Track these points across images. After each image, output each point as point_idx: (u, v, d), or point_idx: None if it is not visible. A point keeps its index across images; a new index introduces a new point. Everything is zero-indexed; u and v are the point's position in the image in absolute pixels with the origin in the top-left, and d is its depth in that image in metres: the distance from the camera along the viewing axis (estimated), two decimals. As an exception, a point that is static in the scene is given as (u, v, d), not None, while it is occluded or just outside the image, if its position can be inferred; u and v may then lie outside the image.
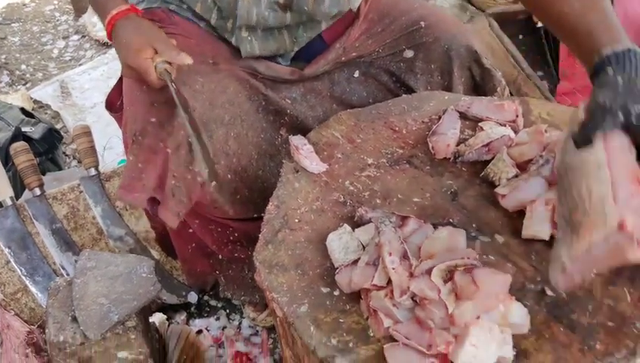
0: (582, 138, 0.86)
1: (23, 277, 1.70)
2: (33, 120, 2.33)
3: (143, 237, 1.79)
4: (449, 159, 1.20)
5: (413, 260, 0.91)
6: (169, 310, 1.77)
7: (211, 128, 1.27)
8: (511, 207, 1.06)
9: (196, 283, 1.73)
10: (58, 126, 2.69)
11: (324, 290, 0.97)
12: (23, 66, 3.32)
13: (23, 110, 2.40)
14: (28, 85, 3.13)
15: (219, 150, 1.28)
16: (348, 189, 1.15)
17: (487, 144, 1.15)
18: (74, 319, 1.28)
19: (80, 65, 3.24)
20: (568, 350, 0.86)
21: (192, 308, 1.81)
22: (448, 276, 0.87)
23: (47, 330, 1.28)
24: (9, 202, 1.74)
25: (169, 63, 1.20)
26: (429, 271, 0.86)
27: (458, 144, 1.20)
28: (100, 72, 3.09)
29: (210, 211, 1.37)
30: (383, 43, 1.45)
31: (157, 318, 1.67)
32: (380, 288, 0.90)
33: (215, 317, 1.79)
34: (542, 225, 1.00)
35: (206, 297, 1.84)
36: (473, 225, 1.06)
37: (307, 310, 0.94)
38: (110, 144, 2.42)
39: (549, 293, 0.94)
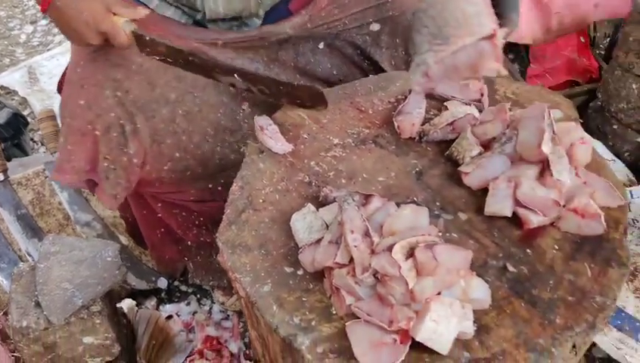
0: None
1: (-12, 265, 1.68)
2: (-2, 105, 2.29)
3: (111, 223, 1.77)
4: (415, 138, 1.19)
5: (375, 238, 0.91)
6: (138, 296, 1.76)
7: (151, 108, 1.25)
8: (474, 185, 1.06)
9: (165, 271, 1.72)
10: (26, 112, 2.64)
11: (288, 269, 0.97)
12: (-10, 52, 3.25)
13: (-13, 95, 2.36)
14: (-5, 71, 3.06)
15: (162, 129, 1.27)
16: (313, 169, 1.15)
17: (451, 123, 1.15)
18: (37, 304, 1.26)
19: (48, 50, 3.18)
20: (529, 325, 0.87)
21: (162, 294, 1.80)
22: (410, 253, 0.87)
23: (10, 316, 1.27)
24: (-28, 188, 1.70)
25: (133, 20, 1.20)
26: (390, 248, 0.86)
27: (423, 124, 1.20)
28: (69, 58, 3.02)
29: (164, 190, 1.35)
30: (350, 13, 1.44)
31: (126, 304, 1.65)
32: (342, 266, 0.90)
33: (185, 302, 1.78)
34: (504, 202, 1.00)
35: (176, 282, 1.83)
36: (437, 204, 1.06)
37: (270, 289, 0.93)
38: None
39: (511, 268, 0.94)
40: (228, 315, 1.71)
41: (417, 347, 0.83)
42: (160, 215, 1.48)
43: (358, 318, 0.87)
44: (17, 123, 2.26)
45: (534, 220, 0.98)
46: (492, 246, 0.98)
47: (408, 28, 1.45)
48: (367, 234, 0.90)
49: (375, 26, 1.45)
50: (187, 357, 1.61)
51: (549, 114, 1.04)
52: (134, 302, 1.68)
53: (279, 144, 1.16)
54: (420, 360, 0.83)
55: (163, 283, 1.73)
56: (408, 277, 0.84)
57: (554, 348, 0.84)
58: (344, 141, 1.20)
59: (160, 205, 1.42)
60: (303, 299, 0.92)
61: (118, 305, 1.57)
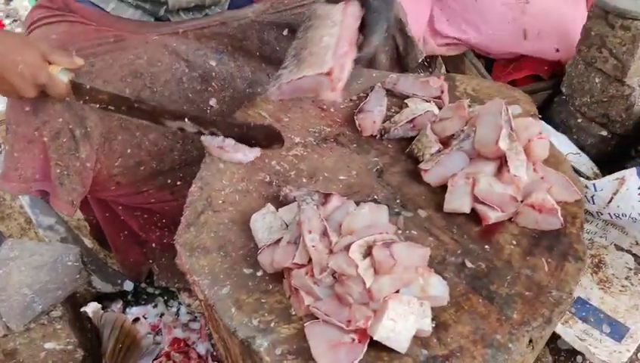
0: None
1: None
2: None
3: (74, 226, 1.74)
4: (376, 136, 1.19)
5: (334, 237, 0.90)
6: (104, 299, 1.74)
7: None
8: (433, 182, 1.07)
9: (130, 274, 1.70)
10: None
11: (247, 271, 0.96)
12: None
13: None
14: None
15: (116, 126, 1.25)
16: (274, 169, 1.14)
17: (411, 121, 1.15)
18: (-4, 311, 1.23)
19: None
20: (486, 321, 0.88)
21: (129, 297, 1.78)
22: (368, 251, 0.87)
23: (-32, 324, 1.24)
24: None
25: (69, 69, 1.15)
26: (347, 248, 0.86)
27: (384, 121, 1.20)
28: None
29: (122, 193, 1.33)
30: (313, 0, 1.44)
31: (91, 308, 1.63)
32: (301, 266, 0.89)
33: (152, 304, 1.76)
34: (462, 199, 1.01)
35: (143, 284, 1.81)
36: (398, 201, 1.06)
37: (229, 291, 0.92)
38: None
39: (469, 265, 0.95)
40: (196, 317, 1.70)
41: (376, 346, 0.83)
42: (122, 217, 1.46)
43: (317, 318, 0.86)
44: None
45: (492, 216, 0.99)
46: (451, 243, 0.99)
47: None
48: (325, 234, 0.90)
49: None
50: (155, 359, 1.59)
51: (506, 110, 1.05)
52: (99, 306, 1.66)
53: (247, 153, 1.13)
54: (379, 359, 0.83)
55: (128, 285, 1.71)
56: (366, 276, 0.84)
57: (511, 343, 0.85)
58: (305, 140, 1.20)
59: (120, 208, 1.40)
60: (262, 300, 0.91)
61: (82, 309, 1.55)
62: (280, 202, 1.06)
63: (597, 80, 1.95)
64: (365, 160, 1.15)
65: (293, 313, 0.89)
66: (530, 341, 0.87)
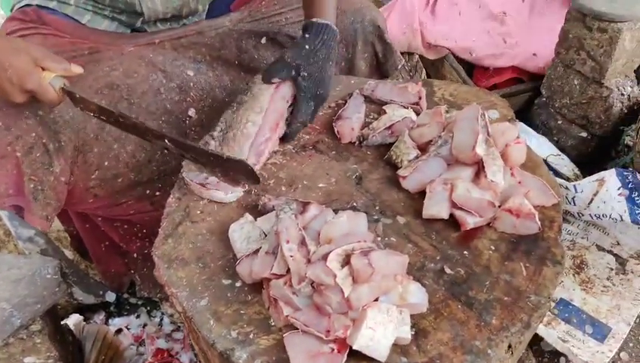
0: (266, 75, 1.17)
1: None
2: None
3: (55, 237, 1.72)
4: (355, 143, 1.19)
5: (312, 246, 0.90)
6: (86, 311, 1.71)
7: (81, 120, 1.22)
8: (412, 188, 1.07)
9: (112, 285, 1.68)
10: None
11: (226, 281, 0.95)
12: None
13: None
14: None
15: (92, 139, 1.23)
16: (253, 177, 1.13)
17: (389, 127, 1.15)
18: (-26, 327, 1.21)
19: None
20: (465, 327, 0.88)
21: (111, 308, 1.76)
22: (346, 260, 0.86)
23: (-55, 340, 1.22)
24: None
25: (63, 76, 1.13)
26: (325, 257, 0.85)
27: (362, 128, 1.20)
28: None
29: (101, 205, 1.32)
30: (291, 8, 1.44)
31: (73, 320, 1.61)
32: (279, 277, 0.89)
33: (135, 315, 1.74)
34: (440, 205, 1.01)
35: (125, 295, 1.79)
36: (377, 208, 1.06)
37: (207, 303, 0.92)
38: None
39: (448, 271, 0.95)
40: (179, 327, 1.69)
41: (356, 355, 0.83)
42: (102, 229, 1.45)
43: (297, 328, 0.86)
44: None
45: (470, 221, 0.99)
46: (430, 249, 0.99)
47: (348, 26, 1.45)
48: (303, 243, 0.90)
49: None
50: (138, 370, 1.58)
51: (483, 116, 1.05)
52: (81, 318, 1.64)
53: (229, 193, 1.10)
54: (359, 368, 0.83)
55: (111, 296, 1.68)
56: (344, 286, 0.84)
57: (490, 349, 0.85)
58: (284, 148, 1.20)
59: (100, 219, 1.39)
60: (241, 311, 0.91)
61: (64, 321, 1.53)
62: (259, 211, 1.05)
63: (576, 82, 1.96)
64: (344, 167, 1.15)
65: (273, 324, 0.89)
66: (509, 346, 0.87)
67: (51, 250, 1.71)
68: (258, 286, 0.93)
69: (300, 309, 0.87)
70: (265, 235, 0.98)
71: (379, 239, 1.00)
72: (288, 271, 0.88)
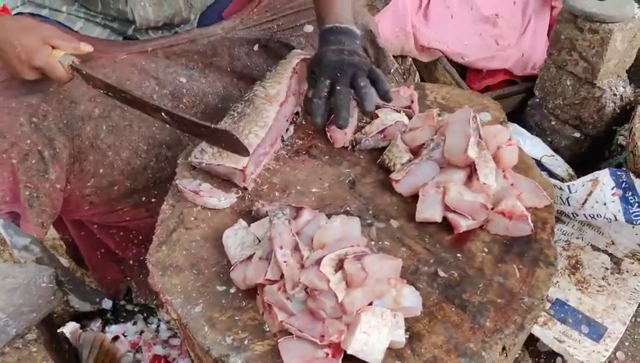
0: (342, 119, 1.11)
1: None
2: None
3: (50, 245, 1.72)
4: (347, 147, 1.20)
5: (305, 252, 0.90)
6: (83, 318, 1.71)
7: (75, 127, 1.22)
8: (405, 192, 1.07)
9: (108, 292, 1.68)
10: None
11: (220, 288, 0.95)
12: None
13: None
14: None
15: (87, 146, 1.24)
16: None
17: (382, 131, 1.15)
18: (-31, 337, 1.21)
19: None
20: (459, 329, 0.88)
21: (108, 315, 1.76)
22: (339, 265, 0.87)
23: (-60, 350, 1.21)
24: None
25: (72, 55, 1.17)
26: (319, 262, 0.86)
27: (355, 133, 1.20)
28: None
29: (97, 212, 1.32)
30: (283, 14, 1.44)
31: (69, 328, 1.60)
32: (273, 282, 0.89)
33: (132, 321, 1.74)
34: (433, 208, 1.01)
35: (122, 302, 1.79)
36: (370, 212, 1.07)
37: (202, 310, 0.92)
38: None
39: (442, 274, 0.95)
40: (176, 333, 1.68)
41: (351, 359, 0.83)
42: (98, 236, 1.45)
43: (291, 334, 0.86)
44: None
45: (463, 224, 1.00)
46: (423, 252, 0.99)
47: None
48: (296, 249, 0.90)
49: (309, 28, 1.46)
50: (136, 378, 1.58)
51: (475, 118, 1.06)
52: (77, 325, 1.64)
53: (223, 199, 1.10)
54: (354, 372, 0.83)
55: (107, 303, 1.68)
56: (338, 290, 0.84)
57: (484, 351, 0.85)
58: (277, 153, 1.20)
59: (96, 226, 1.39)
60: (236, 317, 0.91)
61: (60, 329, 1.53)
62: (252, 217, 1.05)
63: (568, 83, 1.97)
64: (337, 172, 1.15)
65: (267, 329, 0.89)
66: (504, 348, 0.87)
67: (47, 258, 1.71)
68: (252, 292, 0.94)
69: (294, 315, 0.87)
70: (259, 241, 0.99)
71: (372, 243, 1.00)
72: (282, 276, 0.89)
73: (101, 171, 1.27)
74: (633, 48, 1.87)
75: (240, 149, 1.08)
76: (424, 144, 1.10)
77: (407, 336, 0.87)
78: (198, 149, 1.13)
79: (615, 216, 1.65)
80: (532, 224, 0.99)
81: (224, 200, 1.09)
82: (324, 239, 0.92)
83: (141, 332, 1.71)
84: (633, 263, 1.68)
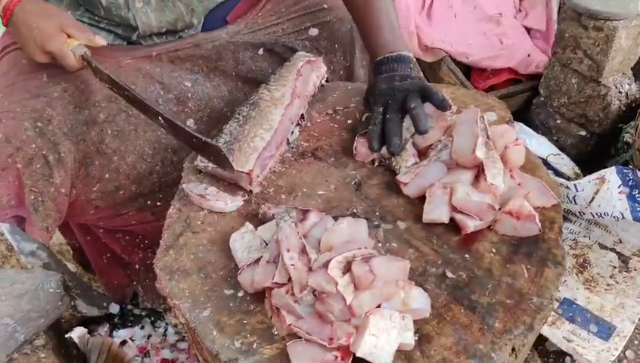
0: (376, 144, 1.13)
1: None
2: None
3: (57, 250, 1.72)
4: (374, 163, 1.17)
5: (313, 254, 0.90)
6: (90, 323, 1.71)
7: (80, 131, 1.23)
8: (412, 194, 1.07)
9: (115, 297, 1.68)
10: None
11: (228, 291, 0.95)
12: None
13: None
14: None
15: (92, 151, 1.24)
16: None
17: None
18: (-22, 343, 1.21)
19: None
20: (468, 331, 0.88)
21: (115, 319, 1.76)
22: (347, 267, 0.86)
23: (-51, 357, 1.22)
24: None
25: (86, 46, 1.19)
26: (326, 265, 0.85)
27: None
28: None
29: (102, 216, 1.32)
30: (288, 18, 1.44)
31: (77, 333, 1.61)
32: (281, 285, 0.89)
33: (139, 325, 1.74)
34: (440, 209, 1.01)
35: (129, 306, 1.79)
36: (377, 213, 1.06)
37: (210, 314, 0.91)
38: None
39: (450, 275, 0.95)
40: (184, 336, 1.69)
41: (360, 362, 0.83)
42: (104, 240, 1.45)
43: (300, 337, 0.86)
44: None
45: (471, 225, 0.99)
46: (431, 254, 0.99)
47: (346, 34, 1.46)
48: (304, 252, 0.90)
49: (314, 31, 1.46)
50: (144, 382, 1.58)
51: (482, 119, 1.05)
52: (85, 330, 1.64)
53: (229, 203, 1.10)
54: (363, 375, 0.83)
55: (114, 308, 1.68)
56: (346, 293, 0.84)
57: (493, 353, 0.85)
58: (283, 156, 1.20)
59: (102, 231, 1.39)
60: (244, 321, 0.91)
61: (68, 334, 1.53)
62: (259, 220, 1.05)
63: (573, 81, 1.96)
64: (343, 174, 1.15)
65: (276, 333, 0.89)
66: (513, 349, 0.87)
67: (54, 264, 1.71)
68: (260, 295, 0.93)
69: (303, 318, 0.87)
70: (266, 244, 0.98)
71: (380, 245, 1.00)
72: (290, 279, 0.88)
73: (107, 175, 1.27)
74: (638, 45, 1.86)
75: (226, 166, 1.08)
76: (431, 145, 1.10)
77: (416, 338, 0.86)
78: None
79: (622, 214, 1.64)
80: (539, 224, 0.99)
81: (230, 203, 1.09)
82: (332, 241, 0.92)
83: (149, 336, 1.72)
84: (641, 261, 1.67)
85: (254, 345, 0.87)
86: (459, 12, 2.27)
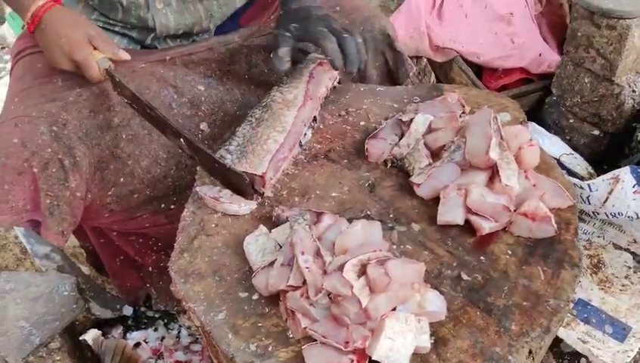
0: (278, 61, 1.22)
1: (-56, 307, 1.62)
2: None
3: (71, 253, 1.73)
4: (387, 165, 1.17)
5: (327, 257, 0.90)
6: (104, 325, 1.72)
7: (95, 136, 1.24)
8: (426, 195, 1.06)
9: (128, 299, 1.69)
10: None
11: (243, 294, 0.95)
12: (-61, 81, 3.16)
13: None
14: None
15: (107, 155, 1.25)
16: (266, 189, 1.14)
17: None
18: (-6, 346, 1.22)
19: (0, 78, 3.11)
20: (485, 333, 0.87)
21: (129, 321, 1.76)
22: (362, 270, 0.86)
23: (-35, 360, 1.23)
24: None
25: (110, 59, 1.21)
26: (341, 267, 0.85)
27: (392, 150, 1.16)
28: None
29: (116, 219, 1.33)
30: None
31: (91, 335, 1.61)
32: (296, 288, 0.89)
33: (153, 328, 1.75)
34: (455, 211, 1.00)
35: (142, 309, 1.79)
36: (391, 215, 1.06)
37: (225, 317, 0.91)
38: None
39: (465, 277, 0.95)
40: (197, 339, 1.69)
41: (376, 365, 0.83)
42: (117, 243, 1.45)
43: (315, 340, 0.86)
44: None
45: (486, 226, 0.99)
46: (446, 256, 0.98)
47: (358, 35, 1.45)
48: (318, 254, 0.90)
49: None
50: (157, 384, 1.58)
51: (495, 119, 1.05)
52: (99, 333, 1.64)
53: (243, 206, 1.10)
54: (379, 378, 0.83)
55: (128, 310, 1.69)
56: (361, 296, 0.83)
57: (510, 355, 0.84)
58: (296, 158, 1.20)
59: (115, 233, 1.40)
60: (259, 324, 0.91)
61: (82, 337, 1.54)
62: (273, 222, 1.05)
63: (586, 80, 1.95)
64: (357, 175, 1.15)
65: (291, 336, 0.89)
66: (530, 352, 0.86)
67: (68, 267, 1.72)
68: (275, 298, 0.93)
69: (318, 321, 0.87)
70: (280, 247, 0.98)
71: (394, 247, 0.99)
72: (304, 282, 0.88)
73: (122, 180, 1.28)
74: (651, 44, 1.85)
75: (248, 194, 1.09)
76: (444, 146, 1.09)
77: (432, 341, 0.86)
78: (217, 155, 1.13)
79: (637, 214, 1.62)
80: (555, 226, 0.98)
81: (244, 206, 1.09)
82: (346, 244, 0.92)
83: (163, 338, 1.72)
84: (656, 262, 1.66)
85: (269, 349, 0.87)
86: (470, 12, 2.26)
